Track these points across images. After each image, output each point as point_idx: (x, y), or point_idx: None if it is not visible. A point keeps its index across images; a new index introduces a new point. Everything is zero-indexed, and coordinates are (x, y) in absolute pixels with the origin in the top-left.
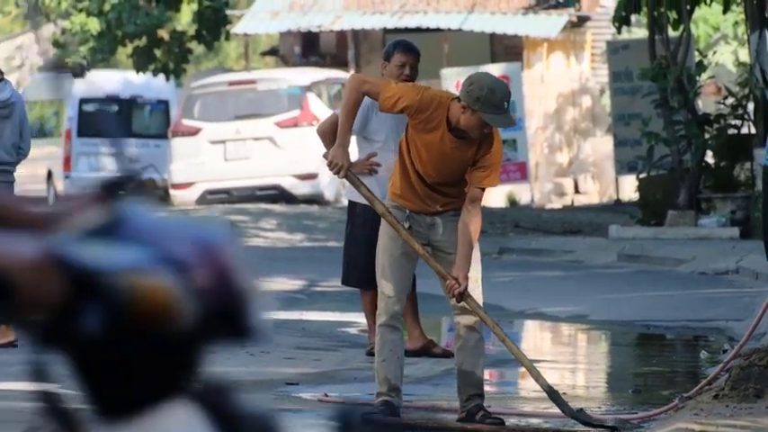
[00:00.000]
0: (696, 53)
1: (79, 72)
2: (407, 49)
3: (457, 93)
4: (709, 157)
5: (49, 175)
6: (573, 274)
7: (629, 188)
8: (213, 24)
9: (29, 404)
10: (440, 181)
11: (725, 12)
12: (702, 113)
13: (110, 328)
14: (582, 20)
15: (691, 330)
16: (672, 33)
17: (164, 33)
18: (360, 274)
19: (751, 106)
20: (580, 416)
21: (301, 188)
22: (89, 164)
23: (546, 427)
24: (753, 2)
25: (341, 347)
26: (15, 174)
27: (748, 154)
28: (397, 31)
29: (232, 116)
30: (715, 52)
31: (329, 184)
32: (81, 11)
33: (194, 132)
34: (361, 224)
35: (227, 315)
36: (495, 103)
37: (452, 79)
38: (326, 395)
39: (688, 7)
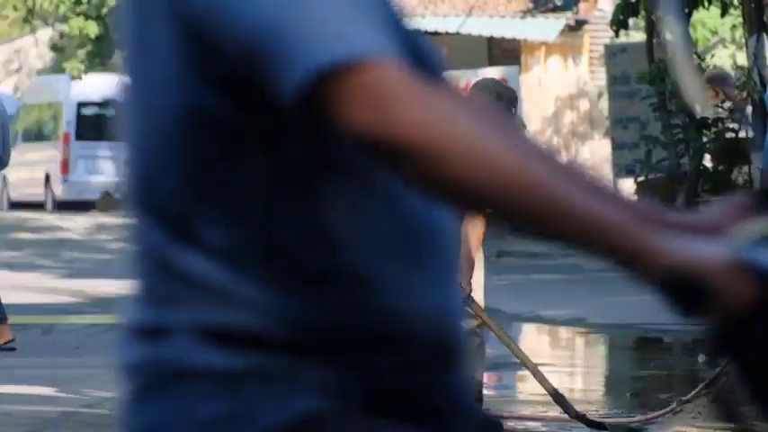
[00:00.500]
0: (694, 56)
1: None
2: None
3: None
4: (707, 161)
5: (47, 178)
6: (571, 277)
7: (626, 191)
8: None
9: (31, 408)
10: None
11: (723, 15)
12: (700, 117)
13: None
14: (580, 23)
15: (689, 334)
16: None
17: None
18: None
19: (749, 109)
20: (585, 419)
21: None
22: (87, 167)
23: (544, 431)
24: (751, 5)
25: None
26: (14, 177)
27: (746, 157)
28: None
29: None
30: (713, 56)
31: None
32: (79, 14)
33: None
34: None
35: None
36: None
37: None
38: None
39: (686, 11)
